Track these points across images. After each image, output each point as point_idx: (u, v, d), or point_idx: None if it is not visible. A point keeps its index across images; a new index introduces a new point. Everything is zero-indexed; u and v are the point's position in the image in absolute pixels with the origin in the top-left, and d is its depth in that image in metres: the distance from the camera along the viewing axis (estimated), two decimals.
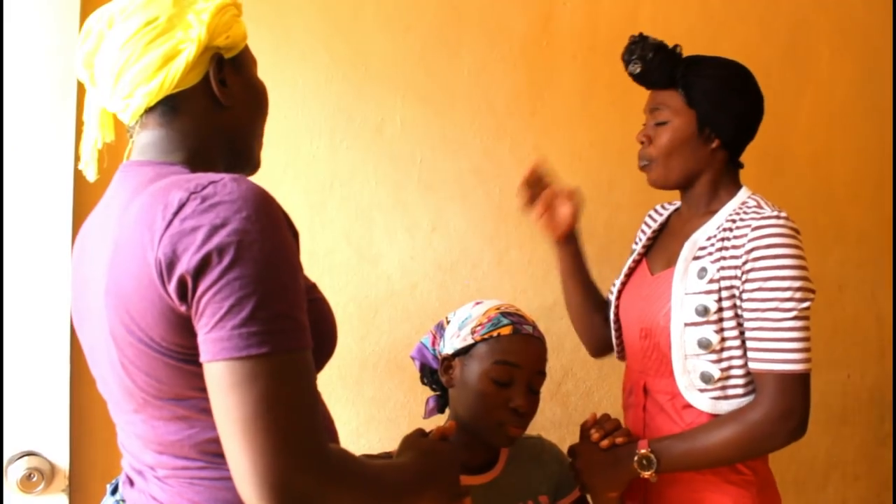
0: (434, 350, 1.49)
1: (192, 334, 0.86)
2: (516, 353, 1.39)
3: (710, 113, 1.46)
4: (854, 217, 2.60)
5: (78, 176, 1.72)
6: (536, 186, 1.67)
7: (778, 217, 1.38)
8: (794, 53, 2.51)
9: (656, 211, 1.70)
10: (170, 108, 1.00)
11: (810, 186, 2.52)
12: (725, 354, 1.40)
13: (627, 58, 1.49)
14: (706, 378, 1.41)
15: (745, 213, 1.42)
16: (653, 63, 1.46)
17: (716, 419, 1.40)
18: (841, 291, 2.57)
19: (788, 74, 2.49)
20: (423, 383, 1.55)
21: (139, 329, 0.88)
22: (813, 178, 2.54)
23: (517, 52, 2.21)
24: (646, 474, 1.37)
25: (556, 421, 2.22)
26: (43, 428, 1.70)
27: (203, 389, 0.86)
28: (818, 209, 2.52)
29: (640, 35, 1.49)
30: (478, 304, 1.49)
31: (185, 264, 0.82)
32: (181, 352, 0.88)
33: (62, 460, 1.70)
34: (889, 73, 2.64)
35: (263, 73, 1.14)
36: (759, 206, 1.43)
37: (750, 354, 1.38)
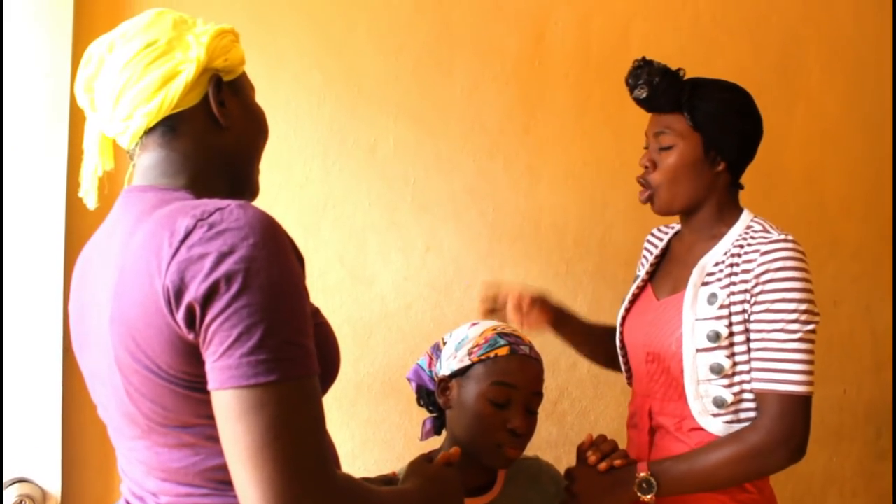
0: (430, 371, 1.48)
1: (199, 362, 0.85)
2: (513, 373, 1.38)
3: (715, 135, 1.46)
4: (848, 232, 2.60)
5: (70, 202, 1.71)
6: (497, 307, 1.66)
7: (786, 240, 1.39)
8: (786, 70, 2.52)
9: (654, 236, 1.70)
10: (169, 128, 1.00)
11: (803, 202, 2.53)
12: (737, 378, 1.40)
13: (633, 83, 1.48)
14: (719, 403, 1.41)
15: (752, 237, 1.43)
16: (659, 88, 1.46)
17: (716, 441, 1.40)
18: (836, 307, 2.58)
19: (780, 91, 2.50)
20: (420, 405, 1.54)
21: (145, 357, 0.88)
22: (806, 194, 2.54)
23: (510, 71, 2.21)
24: (646, 498, 1.36)
25: (552, 441, 2.21)
26: (34, 454, 1.68)
27: (209, 417, 0.86)
28: (812, 225, 2.52)
29: (644, 59, 1.49)
30: (474, 324, 1.48)
31: (193, 292, 0.82)
32: (188, 379, 0.87)
33: (54, 487, 1.68)
34: (880, 88, 2.66)
35: (257, 95, 1.14)
36: (766, 230, 1.43)
37: (754, 375, 1.39)
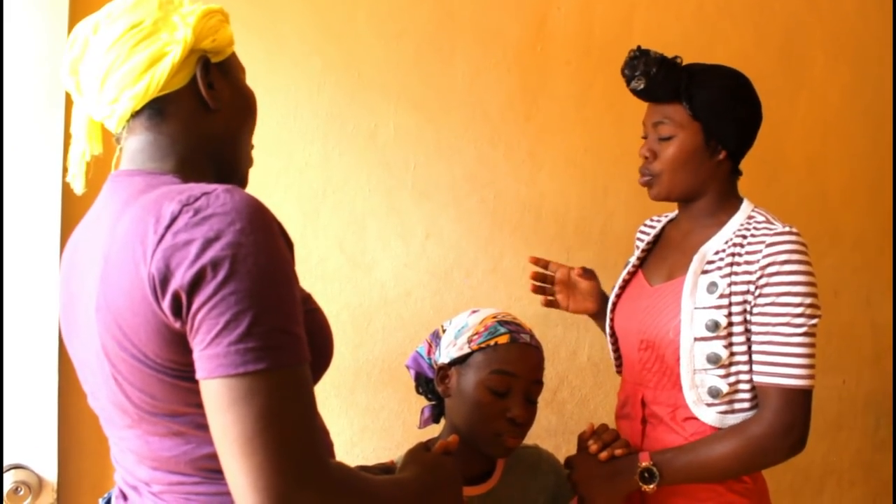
0: (430, 359, 1.47)
1: (186, 350, 0.84)
2: (513, 362, 1.37)
3: (715, 124, 1.44)
4: (849, 222, 2.60)
5: (66, 188, 1.70)
6: (545, 282, 1.70)
7: (790, 233, 1.38)
8: (789, 59, 2.51)
9: (647, 225, 1.69)
10: (156, 111, 0.98)
11: (805, 192, 2.52)
12: (734, 369, 1.39)
13: (629, 74, 1.46)
14: (714, 393, 1.40)
15: (755, 227, 1.42)
16: (656, 78, 1.43)
17: (718, 432, 1.39)
18: (836, 297, 2.57)
19: (783, 80, 2.49)
20: (419, 393, 1.53)
21: (132, 345, 0.86)
22: (808, 184, 2.53)
23: (511, 58, 2.20)
24: (647, 488, 1.36)
25: (551, 429, 2.21)
26: (30, 440, 1.67)
27: (199, 405, 0.84)
28: (813, 215, 2.52)
29: (640, 49, 1.46)
30: (474, 312, 1.47)
31: (179, 280, 0.80)
32: (176, 368, 0.86)
33: (50, 473, 1.68)
34: (883, 78, 2.65)
35: (256, 79, 1.12)
36: (769, 222, 1.42)
37: (755, 367, 1.38)
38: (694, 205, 1.51)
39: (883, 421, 2.67)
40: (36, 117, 1.70)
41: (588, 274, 1.67)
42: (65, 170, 1.70)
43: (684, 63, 1.48)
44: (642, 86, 1.45)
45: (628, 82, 1.47)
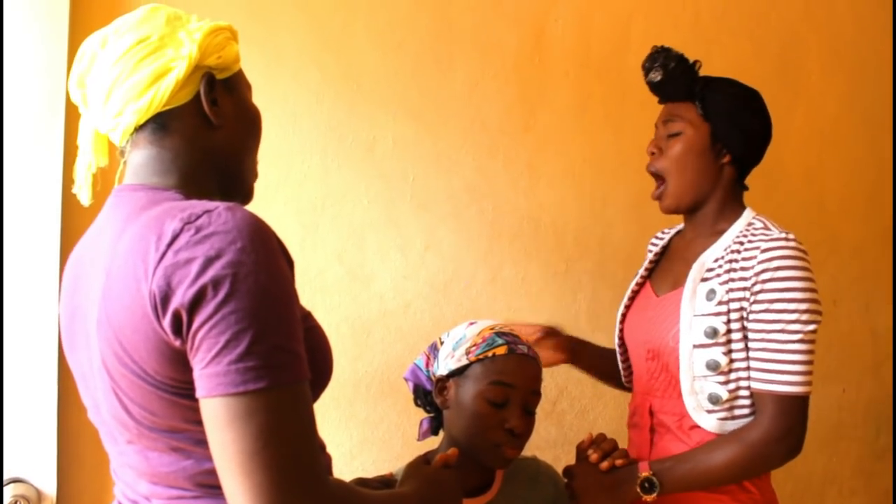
0: (428, 371, 1.47)
1: (186, 368, 0.84)
2: (511, 373, 1.37)
3: (723, 127, 1.47)
4: (847, 231, 2.60)
5: (66, 198, 1.70)
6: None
7: (787, 239, 1.38)
8: (786, 69, 2.52)
9: (657, 237, 1.71)
10: (160, 125, 0.98)
11: (803, 201, 2.53)
12: (733, 376, 1.40)
13: (649, 65, 1.50)
14: (714, 399, 1.40)
15: (752, 234, 1.43)
16: (674, 73, 1.48)
17: (715, 440, 1.40)
18: (835, 306, 2.57)
19: (780, 90, 2.50)
20: (417, 405, 1.53)
21: (132, 361, 0.86)
22: (805, 193, 2.54)
23: (510, 69, 2.21)
24: (648, 497, 1.36)
25: (550, 440, 2.20)
26: (30, 454, 1.67)
27: (198, 422, 0.84)
28: (811, 224, 2.52)
29: (662, 46, 1.50)
30: (472, 324, 1.47)
31: (180, 298, 0.81)
32: (175, 385, 0.86)
33: (49, 487, 1.67)
34: (880, 87, 2.65)
35: (254, 91, 1.13)
36: (767, 228, 1.43)
37: (752, 374, 1.38)
38: (698, 214, 1.53)
39: (883, 429, 2.66)
40: (36, 128, 1.71)
41: (547, 333, 1.67)
42: (66, 180, 1.71)
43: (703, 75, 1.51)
44: (659, 77, 1.48)
45: (646, 74, 1.51)
